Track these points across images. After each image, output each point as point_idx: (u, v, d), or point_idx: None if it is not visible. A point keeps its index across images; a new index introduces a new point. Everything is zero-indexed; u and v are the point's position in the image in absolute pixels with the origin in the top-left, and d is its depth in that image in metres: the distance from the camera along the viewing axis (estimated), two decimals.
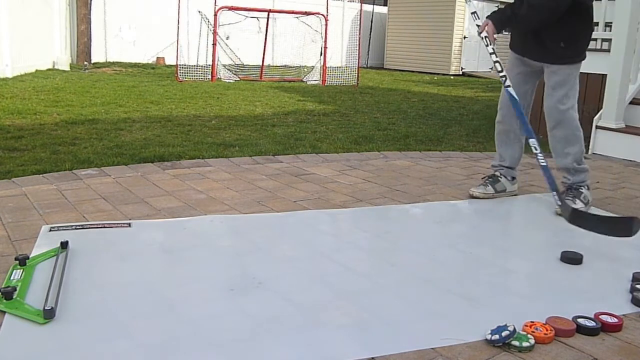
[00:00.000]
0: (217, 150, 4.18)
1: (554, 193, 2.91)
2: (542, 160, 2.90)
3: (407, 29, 17.31)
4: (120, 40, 13.38)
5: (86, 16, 12.30)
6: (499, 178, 3.27)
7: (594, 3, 3.01)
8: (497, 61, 2.95)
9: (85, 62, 11.87)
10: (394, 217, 2.85)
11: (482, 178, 3.37)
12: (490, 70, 17.35)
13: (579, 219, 2.79)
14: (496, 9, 3.04)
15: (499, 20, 2.92)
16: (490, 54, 2.94)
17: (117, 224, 2.49)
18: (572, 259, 2.28)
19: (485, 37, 2.92)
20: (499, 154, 3.32)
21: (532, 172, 3.92)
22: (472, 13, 3.13)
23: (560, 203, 2.89)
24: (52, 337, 1.58)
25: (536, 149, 2.92)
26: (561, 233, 2.76)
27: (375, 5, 18.21)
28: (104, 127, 4.96)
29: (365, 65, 16.97)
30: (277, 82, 10.82)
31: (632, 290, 1.99)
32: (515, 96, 2.97)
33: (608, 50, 4.90)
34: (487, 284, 2.05)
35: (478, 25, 2.96)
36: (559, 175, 3.11)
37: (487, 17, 2.96)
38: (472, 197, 3.21)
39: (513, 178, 3.32)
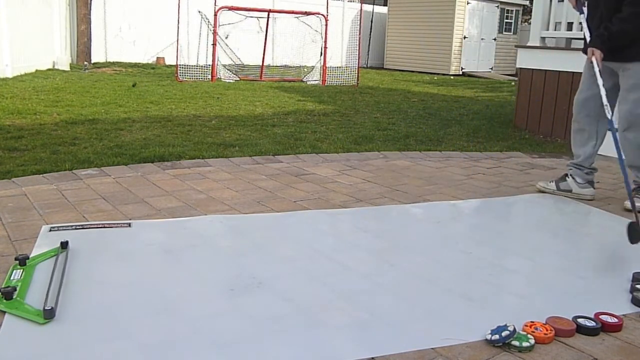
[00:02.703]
0: (217, 150, 4.18)
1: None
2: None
3: (407, 29, 17.31)
4: (120, 40, 13.38)
5: (86, 16, 12.30)
6: (567, 177, 3.30)
7: None
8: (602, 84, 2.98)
9: (85, 62, 11.87)
10: (394, 217, 2.85)
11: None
12: (490, 70, 17.37)
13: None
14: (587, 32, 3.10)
15: (601, 42, 2.98)
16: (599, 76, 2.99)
17: (117, 224, 2.49)
18: None
19: (596, 63, 2.98)
20: (573, 152, 3.34)
21: (533, 172, 3.92)
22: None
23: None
24: (52, 337, 1.58)
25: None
26: (561, 233, 2.76)
27: (375, 5, 18.20)
28: (104, 127, 4.96)
29: (365, 65, 16.97)
30: (277, 82, 10.83)
31: (632, 290, 1.99)
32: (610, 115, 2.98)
33: None
34: (487, 284, 2.05)
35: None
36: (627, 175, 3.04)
37: (589, 46, 3.03)
38: (537, 189, 3.36)
39: (587, 181, 3.27)
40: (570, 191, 3.28)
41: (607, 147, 4.66)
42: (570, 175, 3.29)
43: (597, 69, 2.96)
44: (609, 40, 2.97)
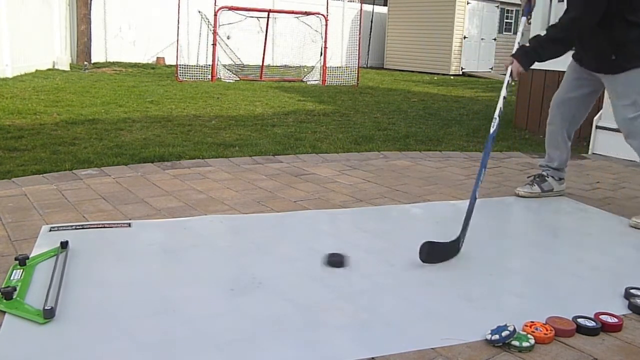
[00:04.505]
0: (217, 150, 4.18)
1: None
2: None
3: (407, 29, 17.31)
4: (120, 40, 13.38)
5: (86, 16, 12.30)
6: (546, 178, 3.30)
7: None
8: (505, 97, 2.85)
9: (85, 62, 11.87)
10: (394, 217, 2.84)
11: (528, 177, 3.40)
12: (490, 70, 17.37)
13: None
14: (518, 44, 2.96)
15: (523, 55, 2.85)
16: (505, 86, 2.86)
17: (117, 224, 2.49)
18: (335, 262, 2.12)
19: (509, 74, 2.87)
20: (547, 154, 3.33)
21: (533, 172, 3.91)
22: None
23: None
24: (52, 337, 1.58)
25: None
26: (561, 233, 2.76)
27: (375, 5, 18.21)
28: (104, 127, 4.96)
29: (365, 65, 16.97)
30: (277, 82, 10.82)
31: (627, 295, 1.97)
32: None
33: None
34: (487, 284, 2.05)
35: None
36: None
37: (511, 55, 2.89)
38: (518, 196, 3.26)
39: (561, 179, 3.32)
40: (552, 190, 3.31)
41: (607, 147, 4.68)
42: (549, 175, 3.31)
43: (507, 79, 2.85)
44: (533, 50, 2.84)
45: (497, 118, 2.77)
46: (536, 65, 6.00)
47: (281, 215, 2.74)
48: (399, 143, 4.90)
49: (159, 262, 2.13)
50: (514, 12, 18.06)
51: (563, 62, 5.58)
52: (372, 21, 17.90)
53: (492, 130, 2.73)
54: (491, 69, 17.48)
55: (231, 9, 10.57)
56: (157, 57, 13.61)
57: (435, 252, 2.22)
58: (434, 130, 5.73)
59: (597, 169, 4.17)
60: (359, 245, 2.38)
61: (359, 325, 1.70)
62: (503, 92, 2.84)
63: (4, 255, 2.11)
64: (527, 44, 2.88)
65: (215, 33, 10.49)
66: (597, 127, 4.74)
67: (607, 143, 4.69)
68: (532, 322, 1.72)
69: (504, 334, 1.61)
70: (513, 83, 2.86)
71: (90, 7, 12.41)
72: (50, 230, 2.37)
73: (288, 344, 1.58)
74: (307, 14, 11.46)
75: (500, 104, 2.79)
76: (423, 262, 2.16)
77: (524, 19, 3.08)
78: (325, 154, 4.25)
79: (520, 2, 3.25)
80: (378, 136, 5.21)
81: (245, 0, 11.54)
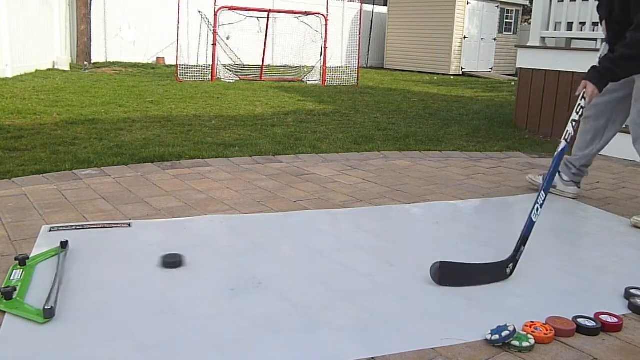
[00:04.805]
0: (217, 150, 4.18)
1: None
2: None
3: (407, 29, 17.31)
4: (120, 40, 13.37)
5: (86, 16, 12.30)
6: None
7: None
8: (575, 120, 2.73)
9: (85, 62, 11.87)
10: (394, 217, 2.85)
11: None
12: (490, 70, 17.37)
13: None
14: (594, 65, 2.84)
15: (597, 76, 2.74)
16: (576, 109, 2.75)
17: (117, 224, 2.49)
18: (171, 262, 2.07)
19: (583, 99, 2.76)
20: (573, 147, 3.29)
21: (532, 173, 3.91)
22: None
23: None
24: (52, 337, 1.58)
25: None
26: (561, 233, 2.76)
27: (375, 5, 18.20)
28: (104, 127, 4.96)
29: (365, 65, 16.97)
30: (277, 82, 10.82)
31: (627, 295, 1.97)
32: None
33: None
34: (487, 284, 2.05)
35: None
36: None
37: (583, 79, 2.79)
38: (527, 180, 3.44)
39: (572, 180, 3.28)
40: (555, 187, 3.29)
41: (607, 147, 4.66)
42: (558, 171, 3.29)
43: (581, 102, 2.77)
44: (607, 71, 2.74)
45: (565, 141, 2.68)
46: (536, 66, 6.02)
47: (281, 215, 2.74)
48: (399, 143, 4.90)
49: (159, 262, 2.13)
50: (514, 12, 18.06)
51: (563, 62, 5.60)
52: (372, 21, 17.90)
53: (557, 152, 2.67)
54: (491, 69, 17.48)
55: (231, 9, 10.57)
56: (157, 57, 13.61)
57: (470, 274, 2.08)
58: (434, 130, 5.73)
59: (597, 169, 4.16)
60: (359, 245, 2.38)
61: (358, 325, 1.70)
62: (573, 116, 2.74)
63: (4, 255, 2.11)
64: (598, 65, 2.79)
65: (215, 33, 10.49)
66: None
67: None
68: (532, 322, 1.72)
69: (504, 334, 1.61)
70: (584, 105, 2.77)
71: (90, 7, 12.41)
72: (50, 230, 2.37)
73: (288, 344, 1.58)
74: (307, 14, 11.46)
75: (568, 128, 2.71)
76: (438, 283, 2.01)
77: (604, 44, 3.00)
78: (325, 154, 4.25)
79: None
80: (378, 136, 5.21)
81: (245, 0, 11.54)
